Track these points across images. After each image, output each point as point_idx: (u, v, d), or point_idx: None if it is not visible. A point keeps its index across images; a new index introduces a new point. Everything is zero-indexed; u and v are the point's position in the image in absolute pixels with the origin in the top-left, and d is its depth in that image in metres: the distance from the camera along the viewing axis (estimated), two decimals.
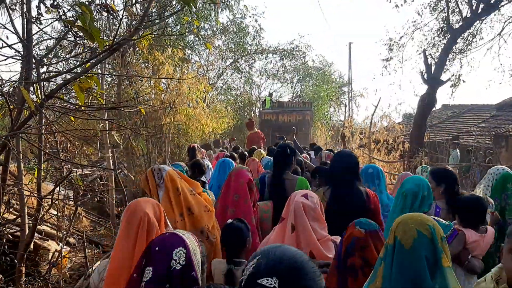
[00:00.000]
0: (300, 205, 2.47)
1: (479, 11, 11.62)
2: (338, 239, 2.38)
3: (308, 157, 7.52)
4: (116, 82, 9.41)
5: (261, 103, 31.75)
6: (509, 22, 12.62)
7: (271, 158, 6.30)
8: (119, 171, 11.58)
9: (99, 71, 6.67)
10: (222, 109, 16.09)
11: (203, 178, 5.29)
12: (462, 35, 12.53)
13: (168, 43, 10.97)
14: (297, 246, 2.26)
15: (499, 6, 11.78)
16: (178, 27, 14.11)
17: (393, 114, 34.31)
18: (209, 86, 11.96)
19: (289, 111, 20.82)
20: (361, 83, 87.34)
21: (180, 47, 11.26)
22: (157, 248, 1.73)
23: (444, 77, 12.44)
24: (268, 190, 3.80)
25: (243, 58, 22.89)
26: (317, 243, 2.39)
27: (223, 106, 17.69)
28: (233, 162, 5.61)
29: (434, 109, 14.49)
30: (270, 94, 25.27)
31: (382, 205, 3.53)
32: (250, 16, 22.15)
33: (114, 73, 8.40)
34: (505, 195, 3.62)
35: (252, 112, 32.41)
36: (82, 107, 3.44)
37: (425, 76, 12.05)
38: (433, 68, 12.02)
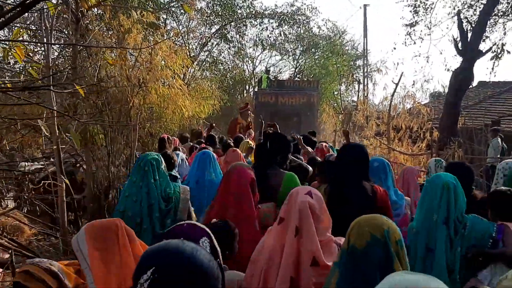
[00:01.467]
0: (306, 205, 2.58)
1: None
2: (342, 240, 2.45)
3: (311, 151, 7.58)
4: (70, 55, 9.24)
5: (256, 81, 31.67)
6: None
7: None
8: (77, 165, 11.52)
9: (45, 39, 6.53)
10: (206, 88, 15.95)
11: (174, 172, 5.46)
12: None
13: (137, 4, 10.81)
14: (298, 251, 2.50)
15: None
16: None
17: (419, 94, 33.99)
18: (190, 59, 11.81)
19: (291, 91, 20.84)
20: (378, 56, 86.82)
21: (151, 9, 11.07)
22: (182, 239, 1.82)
23: (483, 46, 12.14)
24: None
25: (232, 24, 22.57)
26: (320, 250, 2.53)
27: (207, 85, 17.54)
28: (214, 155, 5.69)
29: (470, 87, 14.22)
30: (267, 71, 25.14)
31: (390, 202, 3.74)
32: None
33: (62, 42, 8.25)
34: None
35: (245, 92, 32.29)
36: None
37: (460, 45, 11.76)
38: (469, 35, 11.73)
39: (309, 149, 7.60)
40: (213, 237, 2.09)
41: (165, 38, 11.90)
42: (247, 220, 3.32)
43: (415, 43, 14.59)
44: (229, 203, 3.46)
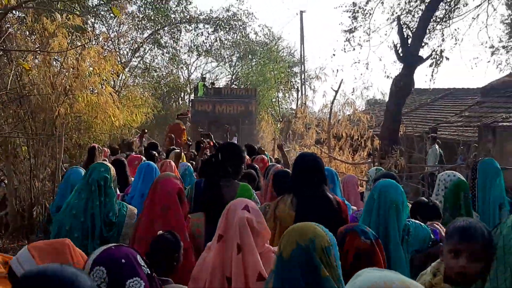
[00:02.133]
0: (245, 222, 2.65)
1: None
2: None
3: (249, 158, 7.59)
4: None
5: (191, 88, 31.46)
6: None
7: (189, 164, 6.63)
8: None
9: None
10: (138, 96, 15.63)
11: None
12: None
13: (62, 7, 10.41)
14: (244, 269, 2.59)
15: None
16: None
17: (358, 101, 34.72)
18: (120, 65, 11.51)
19: (229, 99, 21.07)
20: (317, 62, 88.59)
21: (77, 13, 10.71)
22: (123, 260, 1.99)
23: (422, 53, 12.34)
24: (200, 199, 3.97)
25: (166, 29, 22.26)
26: (261, 264, 2.62)
27: (139, 92, 17.21)
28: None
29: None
30: (203, 78, 25.09)
31: None
32: None
33: None
34: (458, 206, 4.11)
35: (180, 99, 32.02)
36: None
37: (400, 51, 11.97)
38: (409, 41, 11.96)
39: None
40: (140, 254, 2.10)
41: (93, 42, 11.56)
42: (175, 231, 3.18)
43: (354, 49, 14.74)
44: (155, 216, 3.44)
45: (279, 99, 32.46)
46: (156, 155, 7.80)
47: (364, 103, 15.69)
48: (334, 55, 48.97)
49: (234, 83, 32.79)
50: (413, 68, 11.71)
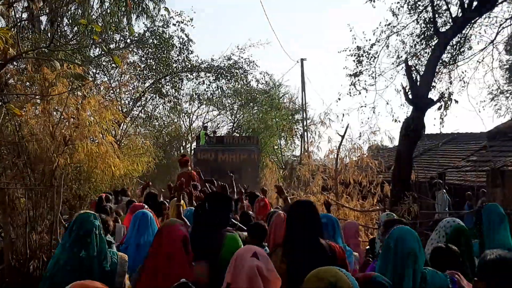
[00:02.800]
0: (255, 271, 2.65)
1: (473, 7, 11.36)
2: None
3: (249, 205, 7.78)
4: None
5: (192, 137, 31.54)
6: (503, 27, 12.58)
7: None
8: None
9: None
10: (139, 145, 15.53)
11: (108, 238, 4.96)
12: (452, 40, 12.28)
13: (63, 57, 10.44)
14: None
15: (497, 2, 11.58)
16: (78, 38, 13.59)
17: (366, 146, 34.10)
18: (121, 114, 11.44)
19: (231, 148, 21.01)
20: (319, 108, 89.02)
21: (78, 62, 10.73)
22: None
23: (431, 96, 12.00)
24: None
25: (167, 78, 22.41)
26: None
27: (141, 141, 17.12)
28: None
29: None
30: (205, 127, 25.16)
31: None
32: (174, 24, 21.86)
33: None
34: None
35: (182, 148, 31.98)
36: None
37: (410, 94, 11.73)
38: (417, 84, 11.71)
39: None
40: None
41: (94, 92, 11.55)
42: (180, 279, 3.15)
43: (360, 93, 14.52)
44: (160, 264, 3.44)
45: (281, 146, 32.42)
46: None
47: (366, 149, 15.21)
48: (339, 99, 48.00)
49: (236, 131, 32.82)
50: (423, 110, 11.39)
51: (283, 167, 25.85)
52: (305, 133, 30.97)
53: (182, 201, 7.32)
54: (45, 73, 8.68)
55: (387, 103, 20.17)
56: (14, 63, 9.97)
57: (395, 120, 13.63)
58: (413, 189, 10.31)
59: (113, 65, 18.58)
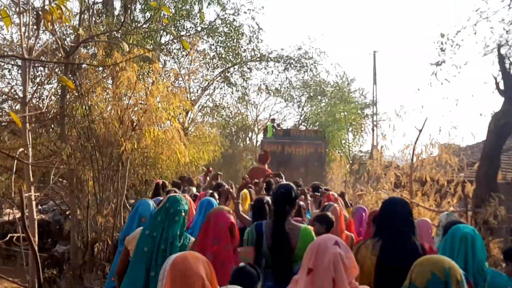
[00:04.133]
0: (338, 258, 2.76)
1: None
2: (364, 287, 2.95)
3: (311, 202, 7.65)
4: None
5: (258, 128, 31.54)
6: None
7: None
8: (66, 213, 11.02)
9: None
10: (205, 133, 15.57)
11: None
12: None
13: (135, 42, 10.53)
14: None
15: None
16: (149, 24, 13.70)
17: (444, 141, 31.69)
18: (189, 102, 11.44)
19: (298, 141, 21.15)
20: (388, 104, 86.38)
21: (149, 48, 10.80)
22: None
23: None
24: (266, 242, 4.02)
25: (236, 67, 22.40)
26: None
27: (207, 130, 17.20)
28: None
29: None
30: (273, 120, 25.14)
31: None
32: (245, 12, 21.60)
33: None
34: None
35: (248, 139, 32.03)
36: None
37: (502, 84, 10.83)
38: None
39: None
40: None
41: (163, 78, 11.61)
42: (224, 263, 3.52)
43: (442, 83, 13.58)
44: (207, 248, 3.63)
45: (349, 141, 31.80)
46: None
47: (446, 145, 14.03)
48: (418, 89, 45.63)
49: (302, 123, 32.51)
50: None
51: (351, 162, 25.32)
52: (375, 127, 30.18)
53: (247, 191, 7.36)
54: (115, 57, 8.74)
55: (472, 96, 18.42)
56: (87, 47, 10.17)
57: (482, 114, 12.69)
58: (500, 190, 9.56)
59: (183, 52, 18.68)
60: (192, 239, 4.04)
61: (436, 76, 12.55)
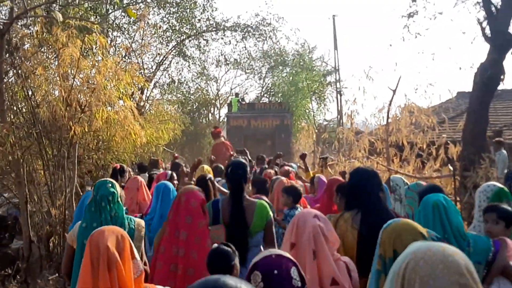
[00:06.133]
0: (318, 230, 2.93)
1: None
2: (346, 258, 3.11)
3: (272, 172, 8.04)
4: None
5: (220, 103, 31.21)
6: None
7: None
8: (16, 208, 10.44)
9: None
10: (163, 111, 15.04)
11: None
12: None
13: (74, 15, 9.86)
14: (319, 274, 2.85)
15: None
16: None
17: (421, 102, 30.04)
18: (142, 77, 10.87)
19: (264, 114, 21.87)
20: (354, 69, 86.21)
21: (94, 22, 10.13)
22: (276, 271, 2.29)
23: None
24: (223, 218, 4.17)
25: (191, 38, 21.67)
26: (337, 270, 2.90)
27: (165, 107, 16.69)
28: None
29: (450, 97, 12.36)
30: (237, 94, 25.38)
31: None
32: None
33: None
34: None
35: (210, 115, 31.59)
36: None
37: (487, 30, 9.73)
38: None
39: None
40: (299, 266, 2.38)
41: (111, 54, 11.00)
42: (200, 240, 3.70)
43: (416, 37, 12.94)
44: (181, 226, 3.76)
45: (313, 110, 31.56)
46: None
47: (432, 102, 13.05)
48: (390, 45, 44.34)
49: (265, 95, 32.31)
50: (504, 51, 9.38)
51: (316, 131, 25.06)
52: (339, 94, 29.95)
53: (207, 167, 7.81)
54: (56, 33, 8.12)
55: (449, 48, 17.69)
56: (24, 24, 9.51)
57: (460, 68, 12.26)
58: (491, 150, 9.04)
59: (134, 27, 17.91)
60: (138, 220, 4.16)
61: (408, 29, 12.05)
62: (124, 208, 5.62)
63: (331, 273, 2.87)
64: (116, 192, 3.96)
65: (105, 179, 4.19)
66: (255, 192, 5.95)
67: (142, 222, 4.21)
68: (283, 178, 6.53)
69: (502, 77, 9.69)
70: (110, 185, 3.97)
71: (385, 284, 1.83)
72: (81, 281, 2.63)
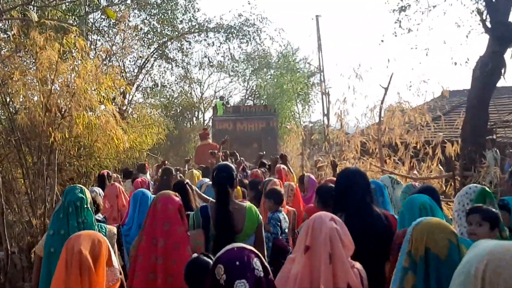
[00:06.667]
0: (335, 233, 2.84)
1: None
2: (357, 265, 2.98)
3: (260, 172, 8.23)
4: None
5: (204, 106, 31.12)
6: None
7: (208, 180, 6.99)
8: None
9: None
10: (146, 116, 14.88)
11: (98, 216, 5.24)
12: None
13: (53, 16, 9.66)
14: (334, 278, 2.75)
15: None
16: None
17: (414, 99, 29.16)
18: (123, 81, 10.69)
19: (249, 117, 21.86)
20: (335, 71, 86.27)
21: (72, 24, 9.94)
22: (237, 262, 2.30)
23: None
24: (213, 225, 4.06)
25: (173, 40, 21.51)
26: (353, 275, 2.82)
27: (147, 111, 16.51)
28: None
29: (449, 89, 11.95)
30: (221, 97, 25.51)
31: None
32: None
33: None
34: None
35: (195, 118, 31.44)
36: None
37: (488, 20, 9.46)
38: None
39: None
40: (261, 257, 2.40)
41: (91, 57, 10.78)
42: (178, 247, 3.61)
43: (409, 31, 12.69)
44: (158, 233, 3.65)
45: (299, 112, 31.53)
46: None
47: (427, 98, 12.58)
48: (382, 41, 43.67)
49: (249, 98, 32.29)
50: (506, 43, 9.07)
51: (302, 133, 24.95)
52: (324, 95, 29.81)
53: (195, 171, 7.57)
54: (34, 36, 7.93)
55: (444, 43, 17.09)
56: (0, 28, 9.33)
57: (456, 63, 12.20)
58: (492, 148, 8.80)
59: (114, 29, 17.70)
60: (109, 227, 4.22)
61: (400, 24, 11.92)
62: (102, 216, 5.63)
63: (347, 279, 2.80)
64: (85, 198, 3.91)
65: (75, 185, 4.16)
66: (253, 195, 6.05)
67: (114, 229, 4.27)
68: (275, 179, 6.53)
69: (503, 70, 9.42)
70: (79, 190, 3.93)
71: (453, 286, 1.81)
72: (54, 284, 2.71)
